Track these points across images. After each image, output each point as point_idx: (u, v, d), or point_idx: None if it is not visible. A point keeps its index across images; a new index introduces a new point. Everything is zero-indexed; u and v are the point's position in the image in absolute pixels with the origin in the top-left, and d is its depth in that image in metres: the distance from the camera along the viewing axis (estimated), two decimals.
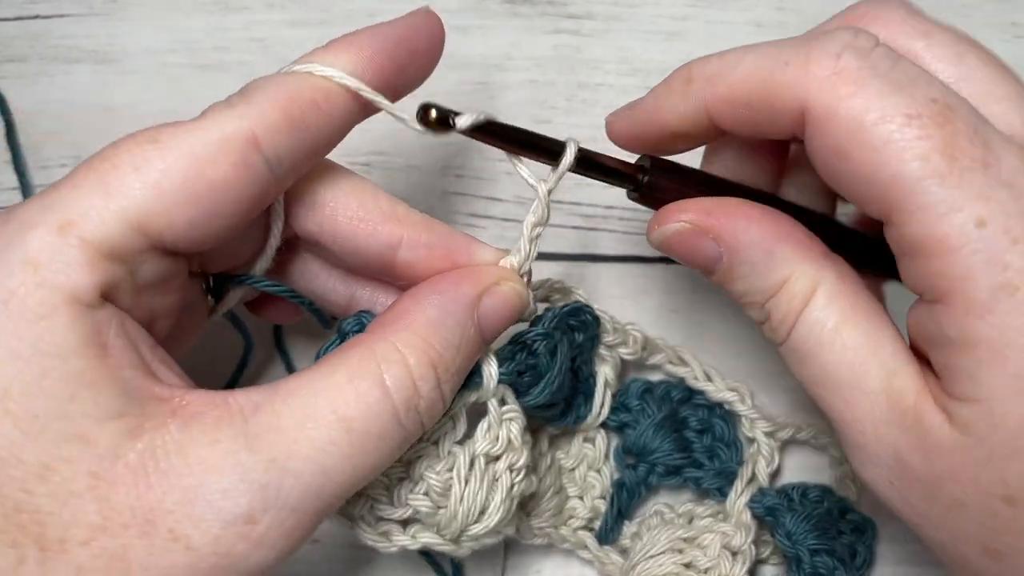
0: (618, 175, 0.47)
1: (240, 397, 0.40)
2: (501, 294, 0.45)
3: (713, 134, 0.45)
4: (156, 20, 0.66)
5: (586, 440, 0.57)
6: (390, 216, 0.46)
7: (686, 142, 0.46)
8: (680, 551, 0.52)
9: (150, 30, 0.66)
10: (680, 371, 0.57)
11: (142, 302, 0.41)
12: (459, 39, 0.66)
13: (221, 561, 0.37)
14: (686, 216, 0.44)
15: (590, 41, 0.67)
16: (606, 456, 0.57)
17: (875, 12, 0.44)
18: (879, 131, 0.38)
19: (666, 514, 0.56)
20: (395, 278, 0.47)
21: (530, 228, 0.46)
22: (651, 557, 0.52)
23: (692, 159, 0.48)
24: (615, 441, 0.58)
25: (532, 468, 0.50)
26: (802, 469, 0.58)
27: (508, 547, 0.56)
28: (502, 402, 0.47)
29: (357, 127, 0.46)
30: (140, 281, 0.41)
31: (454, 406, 0.46)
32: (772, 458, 0.56)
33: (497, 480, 0.47)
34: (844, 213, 0.51)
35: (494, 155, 0.44)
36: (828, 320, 0.42)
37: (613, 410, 0.56)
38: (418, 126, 0.42)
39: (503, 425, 0.47)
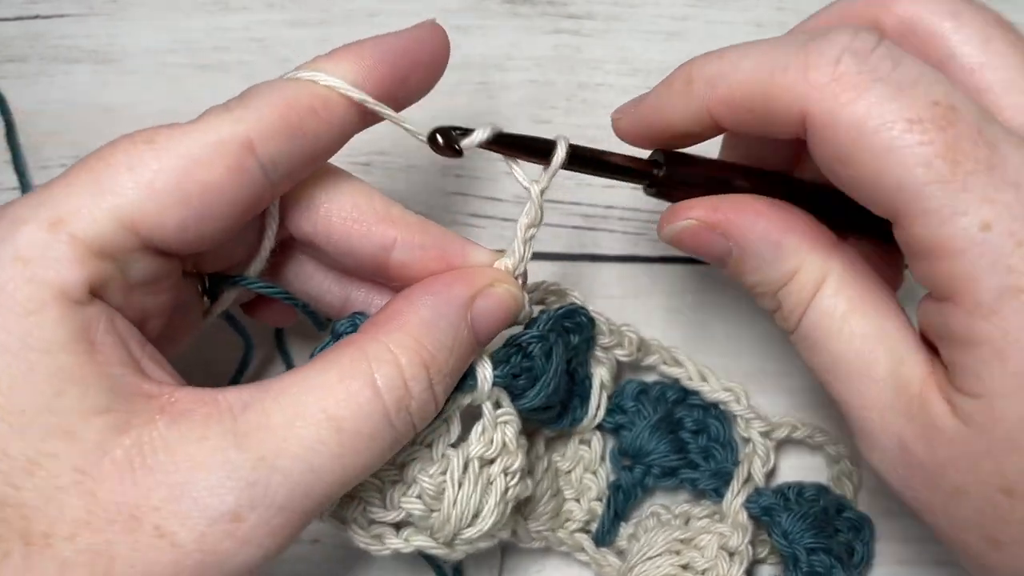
0: (631, 172, 0.47)
1: (230, 395, 0.40)
2: (495, 296, 0.45)
3: (720, 130, 0.45)
4: (156, 20, 0.66)
5: (582, 442, 0.56)
6: (384, 217, 0.46)
7: (693, 139, 0.46)
8: (677, 552, 0.52)
9: (150, 30, 0.66)
10: (675, 372, 0.57)
11: (133, 300, 0.42)
12: (459, 39, 0.65)
13: (207, 558, 0.37)
14: (694, 213, 0.45)
15: (590, 41, 0.66)
16: (602, 458, 0.57)
17: None
18: (880, 138, 0.37)
19: (662, 515, 0.56)
20: (389, 279, 0.47)
21: (523, 230, 0.46)
22: (649, 559, 0.52)
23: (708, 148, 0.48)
24: (611, 443, 0.57)
25: (528, 471, 0.50)
26: (798, 468, 0.58)
27: (506, 549, 0.56)
28: (497, 405, 0.47)
29: None
30: (131, 279, 0.41)
31: (448, 409, 0.46)
32: (768, 458, 0.56)
33: (491, 483, 0.46)
34: None
35: (494, 155, 0.44)
36: (837, 309, 0.43)
37: (609, 412, 0.56)
38: (431, 148, 0.43)
39: (498, 428, 0.46)
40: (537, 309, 0.50)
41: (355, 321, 0.45)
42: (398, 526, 0.47)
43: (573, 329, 0.51)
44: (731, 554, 0.52)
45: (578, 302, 0.53)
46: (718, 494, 0.55)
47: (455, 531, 0.46)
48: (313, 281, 0.50)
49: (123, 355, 0.39)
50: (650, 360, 0.57)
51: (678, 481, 0.56)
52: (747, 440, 0.56)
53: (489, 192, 0.64)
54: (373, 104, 0.44)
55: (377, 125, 0.47)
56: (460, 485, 0.46)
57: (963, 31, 0.42)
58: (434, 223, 0.47)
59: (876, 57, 0.38)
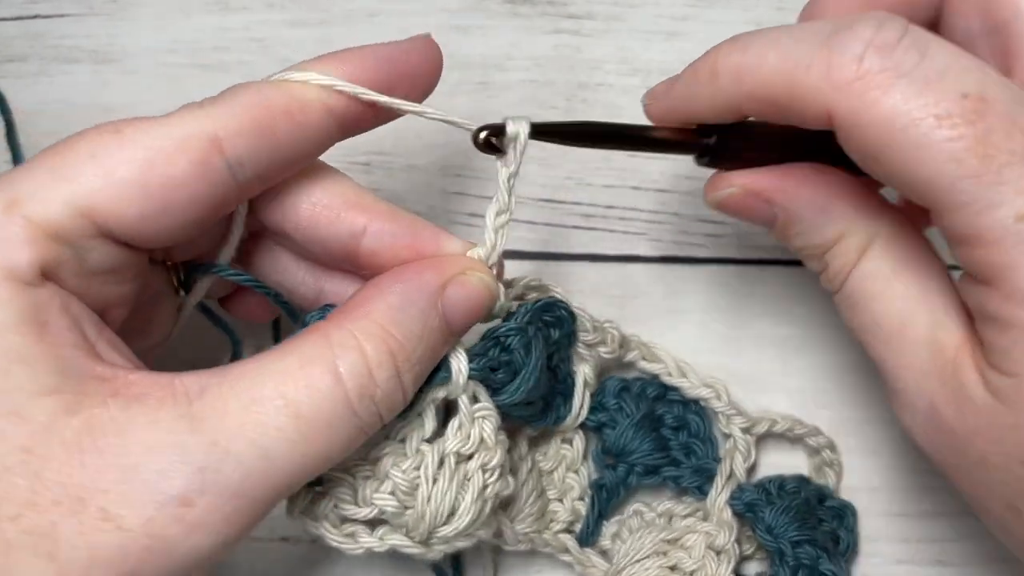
0: (679, 145, 0.47)
1: (187, 379, 0.39)
2: (467, 284, 0.44)
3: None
4: (156, 20, 0.66)
5: (564, 441, 0.55)
6: (354, 204, 0.45)
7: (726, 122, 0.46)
8: (664, 554, 0.52)
9: (150, 30, 0.66)
10: (654, 367, 0.56)
11: (92, 287, 0.41)
12: (459, 39, 0.65)
13: (154, 543, 0.36)
14: (739, 180, 0.45)
15: (590, 41, 0.66)
16: (584, 457, 0.55)
17: None
18: (909, 136, 0.37)
19: (646, 514, 0.55)
20: (360, 268, 0.46)
21: (493, 217, 0.45)
22: (637, 561, 0.52)
23: None
24: (592, 441, 0.56)
25: (512, 472, 0.49)
26: (778, 465, 0.58)
27: (499, 551, 0.55)
28: (474, 399, 0.46)
29: None
30: (89, 266, 0.41)
31: (421, 402, 0.45)
32: (749, 453, 0.55)
33: (468, 480, 0.45)
34: None
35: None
36: (881, 271, 0.43)
37: (590, 410, 0.54)
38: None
39: (475, 423, 0.45)
40: (516, 304, 0.49)
41: (325, 312, 0.44)
42: (373, 525, 0.46)
43: (553, 323, 0.50)
44: (718, 553, 0.52)
45: (558, 296, 0.51)
46: (700, 491, 0.55)
47: (430, 529, 0.45)
48: (288, 273, 0.49)
49: (77, 338, 0.39)
50: (630, 356, 0.56)
51: (661, 479, 0.55)
52: (727, 436, 0.55)
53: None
54: (374, 96, 0.44)
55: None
56: (434, 481, 0.44)
57: None
58: (406, 211, 0.46)
59: (901, 50, 0.37)
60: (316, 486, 0.45)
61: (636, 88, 0.64)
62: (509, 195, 0.45)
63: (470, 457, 0.45)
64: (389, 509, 0.45)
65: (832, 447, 0.57)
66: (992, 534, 0.43)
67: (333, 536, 0.46)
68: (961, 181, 0.36)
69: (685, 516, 0.54)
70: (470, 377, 0.45)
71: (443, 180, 0.64)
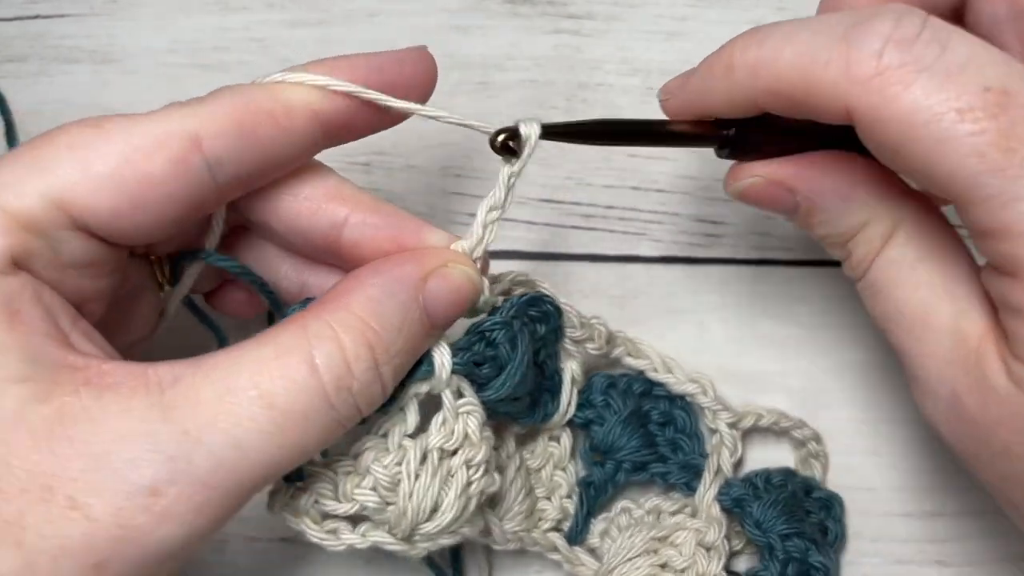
0: (698, 138, 0.47)
1: (161, 369, 0.39)
2: (450, 277, 0.43)
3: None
4: (156, 20, 0.66)
5: (551, 439, 0.54)
6: (335, 195, 0.45)
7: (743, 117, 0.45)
8: (655, 552, 0.51)
9: (150, 30, 0.66)
10: (640, 363, 0.55)
11: (68, 279, 0.41)
12: (459, 39, 0.65)
13: (123, 533, 0.36)
14: (760, 169, 0.45)
15: (590, 41, 0.65)
16: (571, 454, 0.55)
17: None
18: (930, 130, 0.36)
19: (634, 511, 0.55)
20: (342, 260, 0.46)
21: (484, 211, 0.45)
22: (628, 560, 0.51)
23: None
24: (579, 438, 0.56)
25: (499, 469, 0.48)
26: (764, 458, 0.57)
27: (492, 551, 0.54)
28: (459, 395, 0.45)
29: None
30: (64, 258, 0.40)
31: (403, 396, 0.44)
32: (735, 448, 0.55)
33: (452, 476, 0.44)
34: None
35: (495, 155, 0.45)
36: (904, 259, 0.43)
37: (578, 407, 0.54)
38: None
39: (459, 418, 0.45)
40: (502, 299, 0.49)
41: (306, 305, 0.43)
42: (355, 521, 0.46)
43: (539, 318, 0.49)
44: (708, 549, 0.52)
45: (545, 290, 0.51)
46: (688, 487, 0.54)
47: (412, 525, 0.44)
48: (271, 267, 0.49)
49: (49, 327, 0.39)
50: (616, 352, 0.55)
51: (648, 475, 0.55)
52: (713, 431, 0.55)
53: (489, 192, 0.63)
54: (369, 94, 0.44)
55: None
56: (416, 476, 0.44)
57: None
58: (388, 203, 0.46)
59: (921, 44, 0.37)
60: (297, 481, 0.45)
61: (636, 88, 0.64)
62: (507, 193, 0.45)
63: (454, 453, 0.45)
64: (370, 505, 0.44)
65: (817, 439, 0.56)
66: (993, 534, 0.44)
67: (314, 532, 0.45)
68: (984, 175, 0.36)
69: (673, 512, 0.54)
70: (454, 371, 0.44)
71: (443, 180, 0.63)
